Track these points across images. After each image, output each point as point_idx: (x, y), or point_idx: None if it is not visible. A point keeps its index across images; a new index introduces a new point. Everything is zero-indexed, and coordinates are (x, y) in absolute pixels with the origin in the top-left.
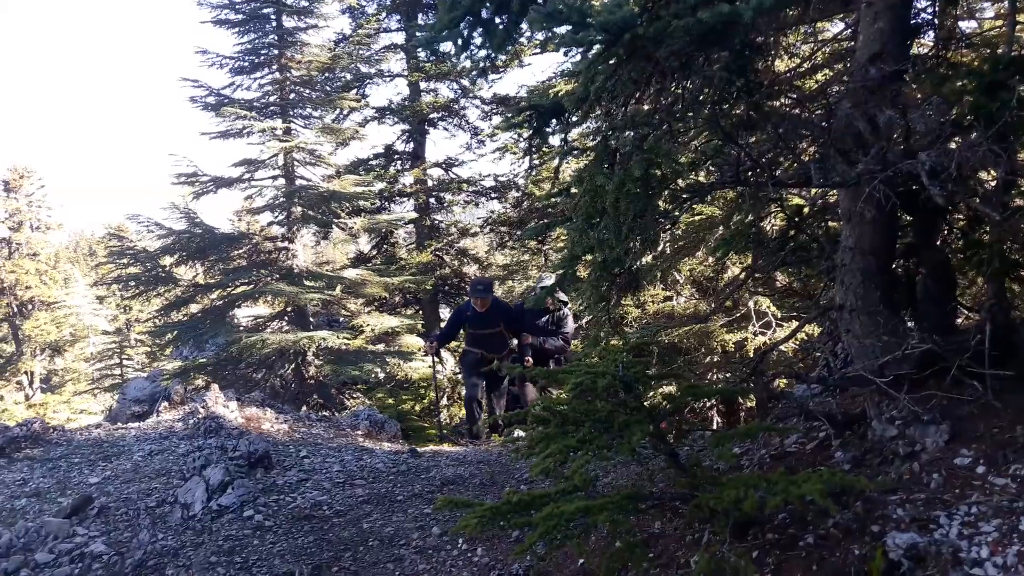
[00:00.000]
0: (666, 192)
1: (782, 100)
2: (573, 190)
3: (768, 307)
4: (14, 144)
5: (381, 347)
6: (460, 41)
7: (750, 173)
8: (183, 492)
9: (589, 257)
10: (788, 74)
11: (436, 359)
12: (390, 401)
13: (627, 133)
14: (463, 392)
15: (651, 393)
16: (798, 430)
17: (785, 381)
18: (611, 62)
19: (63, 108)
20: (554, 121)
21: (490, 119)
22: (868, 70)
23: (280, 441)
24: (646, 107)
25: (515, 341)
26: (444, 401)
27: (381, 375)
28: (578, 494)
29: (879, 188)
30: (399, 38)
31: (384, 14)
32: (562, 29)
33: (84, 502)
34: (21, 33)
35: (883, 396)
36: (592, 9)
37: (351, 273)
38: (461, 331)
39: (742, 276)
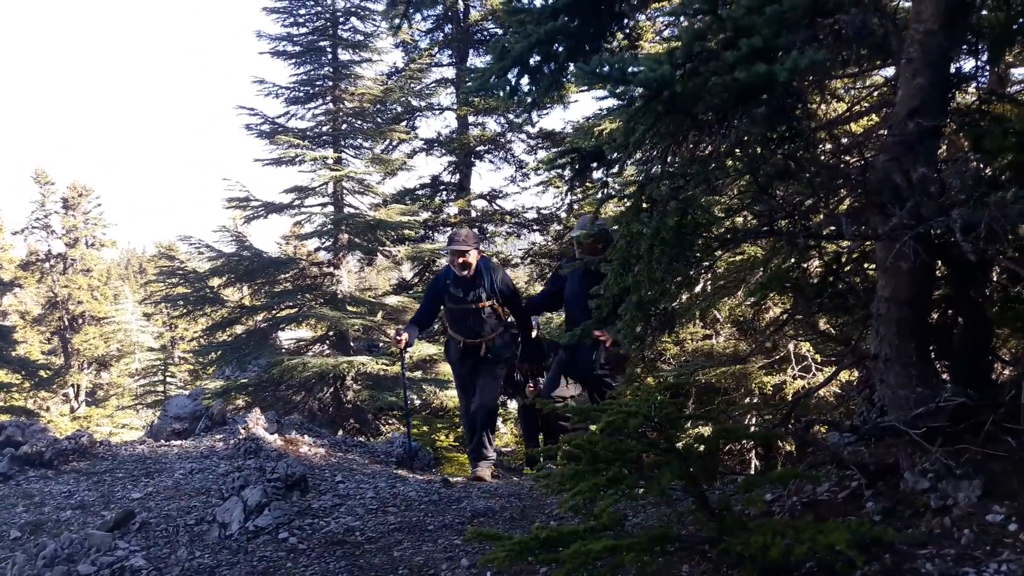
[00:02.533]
0: (700, 240)
1: (821, 148)
2: (616, 224)
3: (808, 351)
4: (76, 159)
5: (419, 374)
6: (508, 88)
7: (785, 222)
8: (221, 511)
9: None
10: (831, 119)
11: (406, 353)
12: (424, 428)
13: (664, 183)
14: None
15: (684, 434)
16: (830, 478)
17: (821, 428)
18: (650, 116)
19: (127, 127)
20: (595, 164)
21: (535, 153)
22: (907, 124)
23: (316, 465)
24: (683, 158)
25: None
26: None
27: (417, 402)
28: (606, 533)
29: (909, 244)
30: (450, 73)
31: (436, 49)
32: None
33: (126, 517)
34: (95, 56)
35: (916, 448)
36: (633, 66)
37: (393, 300)
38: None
39: (783, 318)
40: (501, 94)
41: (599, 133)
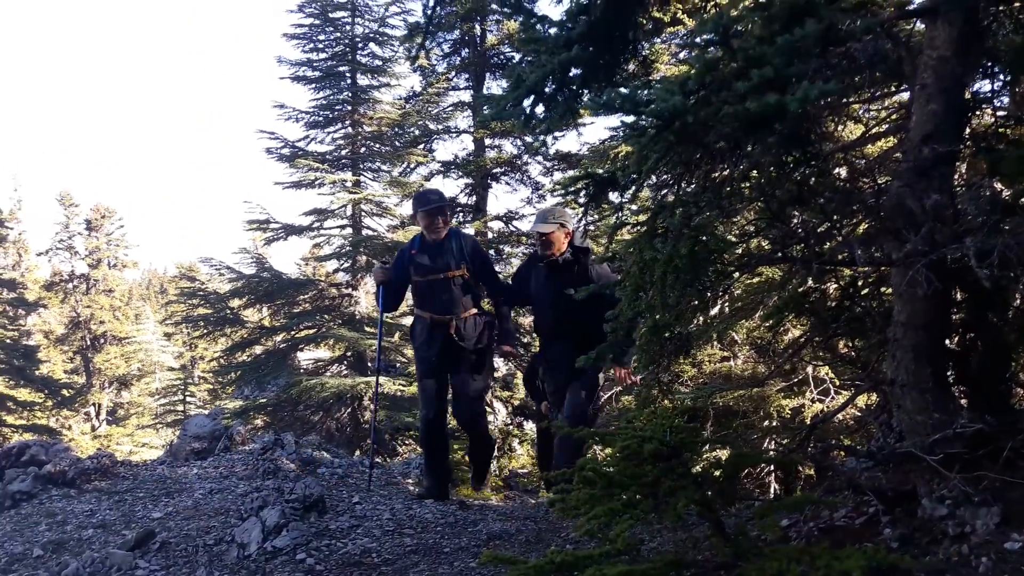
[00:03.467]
0: (713, 267)
1: (837, 172)
2: (629, 250)
3: (827, 374)
4: (97, 178)
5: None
6: (523, 116)
7: (798, 247)
8: (240, 532)
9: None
10: (847, 144)
11: (386, 290)
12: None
13: (677, 211)
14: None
15: (700, 459)
16: (846, 504)
17: (840, 452)
18: (662, 145)
19: (149, 151)
20: (610, 189)
21: (551, 175)
22: (921, 150)
23: (334, 485)
24: (696, 185)
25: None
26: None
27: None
28: (622, 558)
29: (921, 272)
30: (467, 96)
31: (453, 73)
32: (616, 117)
33: (147, 536)
34: (114, 76)
35: (934, 474)
36: (645, 94)
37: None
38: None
39: (801, 340)
40: (516, 122)
41: (615, 156)
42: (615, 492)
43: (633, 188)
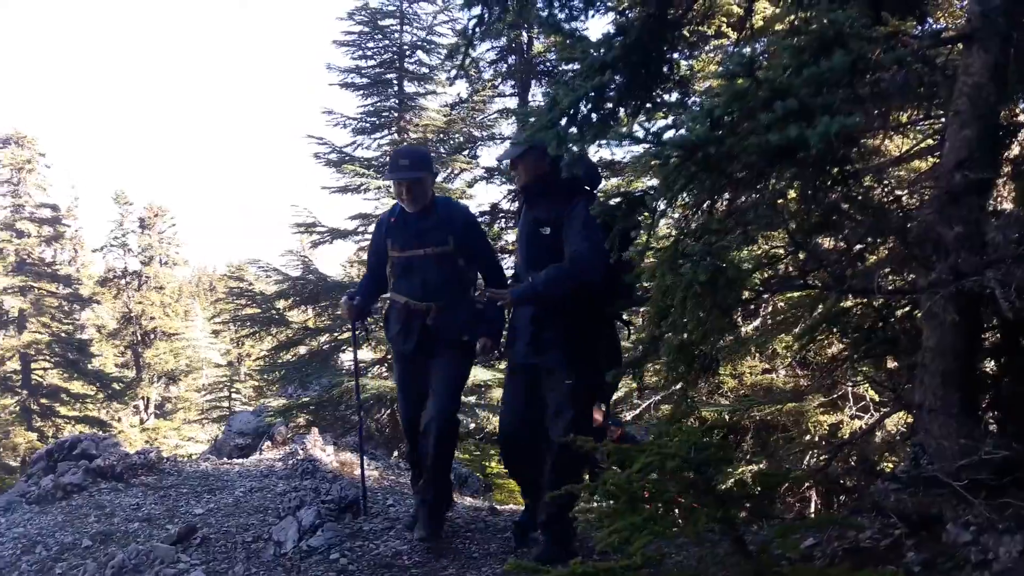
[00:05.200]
0: (732, 293)
1: (870, 193)
2: (658, 271)
3: (866, 390)
4: (149, 177)
5: (472, 399)
6: (557, 138)
7: (821, 273)
8: (277, 530)
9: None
10: (880, 164)
11: (357, 329)
12: (477, 453)
13: (698, 237)
14: None
15: (725, 476)
16: (868, 526)
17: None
18: (685, 174)
19: (200, 152)
20: (641, 209)
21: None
22: (953, 176)
23: (369, 487)
24: (719, 212)
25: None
26: None
27: (471, 425)
28: (643, 571)
29: (939, 303)
30: (512, 103)
31: (499, 80)
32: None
33: (189, 531)
34: (171, 80)
35: (959, 500)
36: (667, 130)
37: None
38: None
39: (841, 356)
40: (550, 144)
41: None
42: (637, 507)
43: (661, 210)
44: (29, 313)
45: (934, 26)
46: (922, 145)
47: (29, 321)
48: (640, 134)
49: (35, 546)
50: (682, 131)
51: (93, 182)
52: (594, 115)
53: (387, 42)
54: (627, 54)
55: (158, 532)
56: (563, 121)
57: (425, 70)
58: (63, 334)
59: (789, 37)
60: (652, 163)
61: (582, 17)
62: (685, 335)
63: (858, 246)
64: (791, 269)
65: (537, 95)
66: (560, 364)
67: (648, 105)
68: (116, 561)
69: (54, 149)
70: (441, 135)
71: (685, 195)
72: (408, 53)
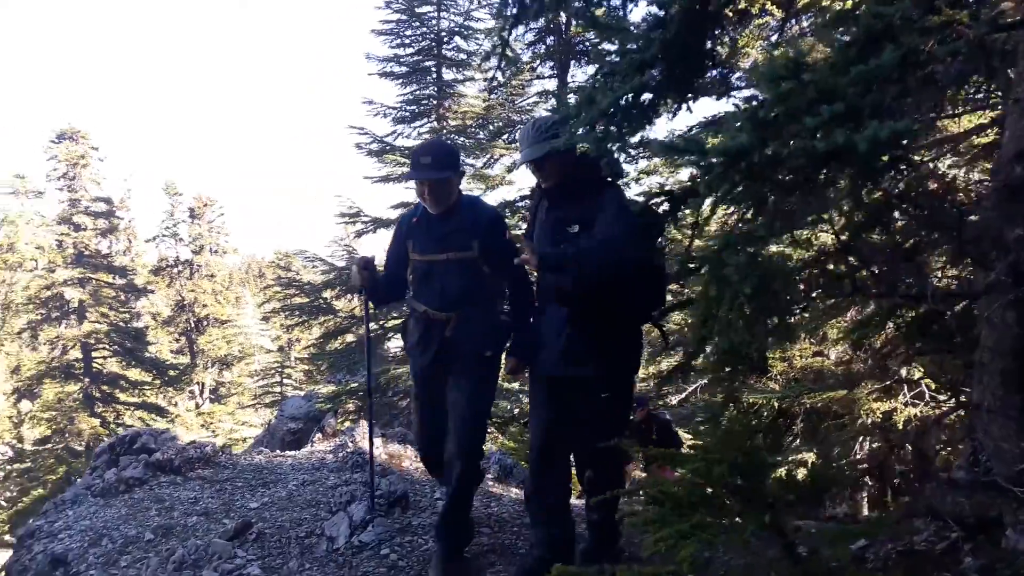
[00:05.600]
0: (778, 303)
1: (924, 187)
2: (702, 280)
3: (921, 375)
4: (197, 167)
5: (516, 385)
6: (595, 139)
7: (868, 277)
8: (329, 525)
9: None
10: (942, 140)
11: (369, 312)
12: (522, 439)
13: (744, 248)
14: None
15: (772, 477)
16: (923, 528)
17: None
18: (728, 182)
19: (246, 141)
20: (683, 207)
21: (636, 162)
22: (1013, 167)
23: (417, 480)
24: (765, 219)
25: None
26: None
27: (516, 411)
28: None
29: (998, 312)
30: (551, 84)
31: (538, 61)
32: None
33: (244, 527)
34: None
35: (1020, 504)
36: (709, 138)
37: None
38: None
39: (895, 341)
40: (590, 145)
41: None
42: (684, 512)
43: (704, 209)
44: (88, 304)
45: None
46: (981, 137)
47: (88, 311)
48: (681, 144)
49: (101, 539)
50: (725, 138)
51: (144, 173)
52: (633, 111)
53: (425, 29)
54: (666, 49)
55: (215, 526)
56: (601, 123)
57: (463, 56)
58: (120, 323)
59: (835, 27)
60: (694, 174)
61: (619, 12)
62: (730, 339)
63: (909, 242)
64: (840, 267)
65: (577, 75)
66: (598, 376)
67: (688, 97)
68: (177, 556)
69: (106, 141)
70: (480, 121)
71: (728, 201)
72: (446, 40)
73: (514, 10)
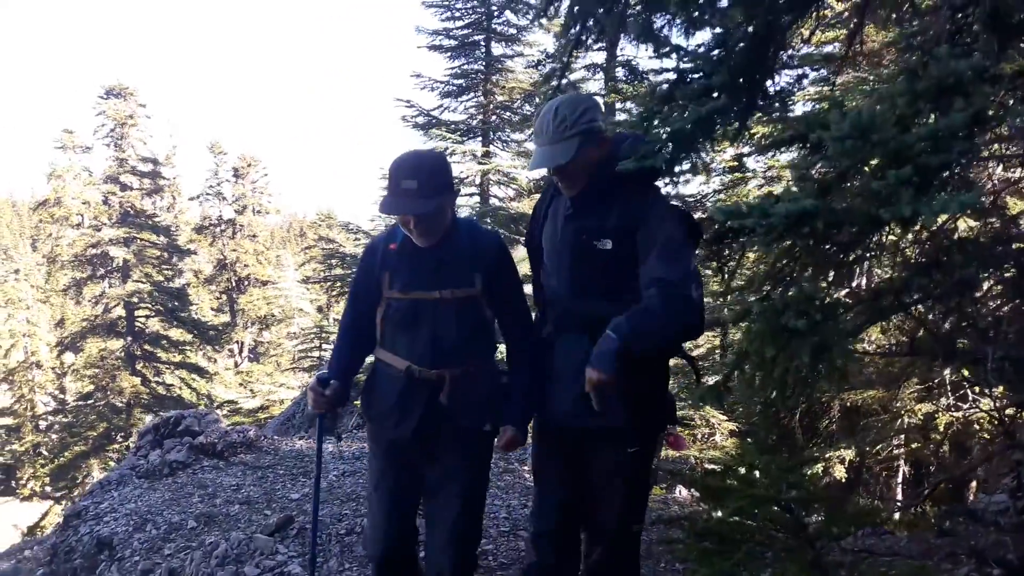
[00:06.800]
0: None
1: (986, 223)
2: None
3: (964, 375)
4: (243, 127)
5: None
6: (664, 164)
7: (924, 337)
8: None
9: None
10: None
11: (325, 421)
12: None
13: (803, 313)
14: None
15: (814, 516)
16: (964, 564)
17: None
18: (789, 248)
19: (293, 104)
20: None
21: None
22: None
23: None
24: (824, 284)
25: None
26: None
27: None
28: None
29: None
30: (599, 57)
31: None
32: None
33: (286, 521)
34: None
35: None
36: (774, 202)
37: (528, 289)
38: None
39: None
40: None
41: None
42: (726, 548)
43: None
44: (132, 263)
45: None
46: None
47: (132, 271)
48: (746, 210)
49: (145, 523)
50: (789, 204)
51: (190, 128)
52: (700, 138)
53: (475, 2)
54: (732, 77)
55: (257, 517)
56: (668, 149)
57: (513, 31)
58: (163, 283)
59: (902, 81)
60: (753, 236)
61: (681, 36)
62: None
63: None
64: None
65: (626, 48)
66: (624, 427)
67: (748, 128)
68: (220, 551)
69: (153, 97)
70: (527, 96)
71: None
72: (496, 13)
73: (575, 30)
